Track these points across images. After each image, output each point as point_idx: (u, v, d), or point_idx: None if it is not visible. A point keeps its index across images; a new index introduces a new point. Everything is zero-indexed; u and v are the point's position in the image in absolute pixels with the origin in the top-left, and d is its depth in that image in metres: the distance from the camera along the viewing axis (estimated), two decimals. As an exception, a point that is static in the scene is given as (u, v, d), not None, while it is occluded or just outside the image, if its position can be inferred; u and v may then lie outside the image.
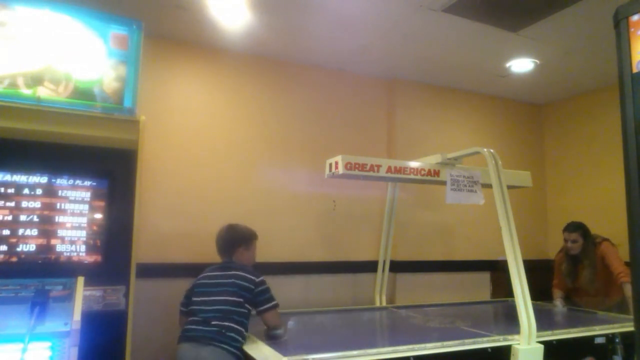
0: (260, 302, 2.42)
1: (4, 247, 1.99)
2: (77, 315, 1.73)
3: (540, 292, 3.65)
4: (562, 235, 3.60)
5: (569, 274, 3.58)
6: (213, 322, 2.30)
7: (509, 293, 2.69)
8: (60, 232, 2.09)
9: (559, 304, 3.61)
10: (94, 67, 2.19)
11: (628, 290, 3.12)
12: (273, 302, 2.45)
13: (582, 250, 3.47)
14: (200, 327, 2.31)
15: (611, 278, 3.36)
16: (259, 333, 2.47)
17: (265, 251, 3.39)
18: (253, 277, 2.45)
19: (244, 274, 2.46)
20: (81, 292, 1.88)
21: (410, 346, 2.22)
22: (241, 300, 2.39)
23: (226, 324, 2.31)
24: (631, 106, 1.37)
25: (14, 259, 2.00)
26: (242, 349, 2.30)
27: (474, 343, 2.39)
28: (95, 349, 1.82)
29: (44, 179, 2.10)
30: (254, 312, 2.45)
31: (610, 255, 3.36)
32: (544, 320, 2.78)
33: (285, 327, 2.56)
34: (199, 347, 2.24)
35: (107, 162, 2.19)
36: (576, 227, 3.50)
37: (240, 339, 2.32)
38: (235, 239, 2.63)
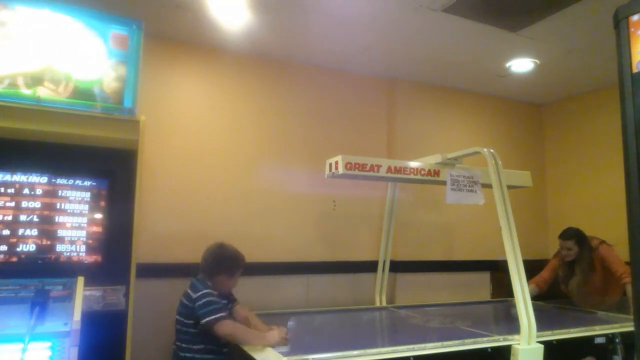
0: (200, 317, 2.27)
1: (4, 247, 1.99)
2: (77, 315, 1.73)
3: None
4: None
5: (563, 280, 3.58)
6: (176, 342, 2.42)
7: (509, 293, 2.69)
8: (60, 232, 2.08)
9: None
10: (94, 67, 2.19)
11: (630, 290, 3.12)
12: (215, 316, 2.25)
13: (576, 258, 3.47)
14: (173, 347, 2.46)
15: (611, 278, 3.36)
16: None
17: (266, 251, 3.40)
18: (191, 293, 2.36)
19: (189, 291, 2.40)
20: (81, 292, 1.88)
21: (410, 346, 2.22)
22: (185, 319, 2.37)
23: (178, 344, 2.40)
24: (631, 106, 1.37)
25: (14, 259, 2.00)
26: None
27: (474, 343, 2.39)
28: (95, 349, 1.81)
29: (44, 179, 2.10)
30: None
31: (610, 256, 3.35)
32: (544, 321, 2.78)
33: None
34: None
35: (107, 162, 2.18)
36: (570, 236, 3.47)
37: (193, 356, 2.35)
38: (220, 267, 2.48)
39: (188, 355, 2.35)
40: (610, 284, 3.40)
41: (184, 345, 2.36)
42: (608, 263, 3.35)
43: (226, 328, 2.26)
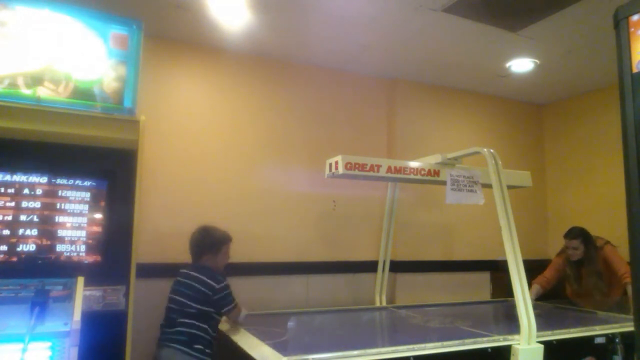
0: (222, 306, 2.55)
1: (4, 247, 1.99)
2: (77, 315, 1.73)
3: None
4: (562, 236, 3.60)
5: (575, 280, 3.55)
6: (175, 323, 2.47)
7: (509, 293, 2.69)
8: (60, 232, 2.08)
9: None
10: (94, 67, 2.19)
11: (630, 290, 3.12)
12: (233, 304, 2.59)
13: (585, 257, 3.46)
14: (165, 329, 2.51)
15: (613, 279, 3.37)
16: (258, 333, 2.47)
17: (266, 251, 3.40)
18: (213, 284, 2.53)
19: (204, 278, 2.54)
20: (81, 292, 1.88)
21: (410, 346, 2.22)
22: (200, 304, 2.49)
23: (185, 327, 2.45)
24: (631, 106, 1.37)
25: (14, 259, 2.00)
26: (205, 350, 2.44)
27: (474, 343, 2.39)
28: (95, 349, 1.81)
29: (44, 179, 2.10)
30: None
31: (613, 257, 3.36)
32: (544, 321, 2.78)
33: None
34: (161, 349, 2.45)
35: (107, 162, 2.19)
36: (576, 235, 3.47)
37: (198, 339, 2.43)
38: (203, 246, 2.68)
39: (193, 331, 2.45)
40: (612, 284, 3.40)
41: (187, 321, 2.46)
42: (610, 263, 3.36)
43: (234, 315, 2.63)
